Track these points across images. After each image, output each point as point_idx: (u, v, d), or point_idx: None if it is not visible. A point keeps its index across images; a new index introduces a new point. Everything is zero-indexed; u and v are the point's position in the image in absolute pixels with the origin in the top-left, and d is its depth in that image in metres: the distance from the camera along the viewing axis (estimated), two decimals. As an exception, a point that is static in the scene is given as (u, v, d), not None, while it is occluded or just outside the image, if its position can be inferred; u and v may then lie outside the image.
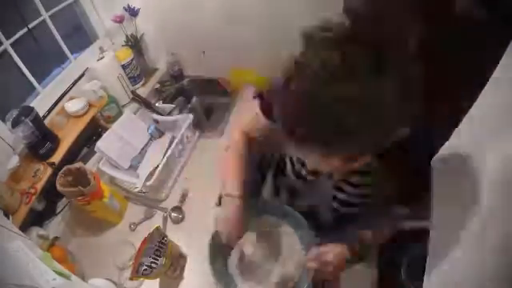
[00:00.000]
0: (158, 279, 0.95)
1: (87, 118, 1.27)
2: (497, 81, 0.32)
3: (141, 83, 1.59)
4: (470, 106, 0.41)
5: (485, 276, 0.34)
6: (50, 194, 1.09)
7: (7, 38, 1.10)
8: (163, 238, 0.90)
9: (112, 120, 1.37)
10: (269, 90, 0.73)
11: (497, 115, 0.32)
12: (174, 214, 1.16)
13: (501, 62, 0.30)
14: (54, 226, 1.11)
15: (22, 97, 1.22)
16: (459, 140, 0.44)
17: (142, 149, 1.34)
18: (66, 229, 1.16)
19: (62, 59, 1.37)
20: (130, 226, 1.16)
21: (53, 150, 1.14)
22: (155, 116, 1.42)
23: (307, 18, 0.92)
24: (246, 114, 0.84)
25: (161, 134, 1.41)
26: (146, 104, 1.47)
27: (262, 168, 1.02)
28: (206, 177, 1.26)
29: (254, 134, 0.84)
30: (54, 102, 1.27)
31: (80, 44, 1.44)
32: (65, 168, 1.03)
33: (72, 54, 1.39)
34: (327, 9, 1.21)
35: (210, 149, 1.37)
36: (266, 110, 0.74)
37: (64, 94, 1.30)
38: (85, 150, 1.32)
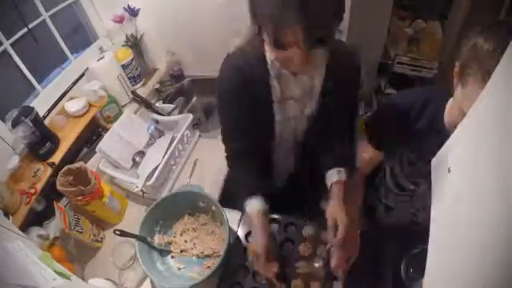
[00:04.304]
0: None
1: (87, 118, 1.27)
2: (493, 85, 0.32)
3: (141, 83, 1.59)
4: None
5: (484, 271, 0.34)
6: (50, 194, 1.09)
7: (7, 38, 1.10)
8: None
9: (112, 120, 1.37)
10: None
11: (493, 117, 0.33)
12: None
13: (498, 67, 0.30)
14: (54, 226, 1.11)
15: (22, 97, 1.22)
16: (457, 141, 0.45)
17: (142, 149, 1.34)
18: (66, 229, 1.16)
19: (62, 59, 1.37)
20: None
21: (53, 150, 1.14)
22: (155, 116, 1.42)
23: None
24: None
25: (161, 133, 1.41)
26: (146, 104, 1.47)
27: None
28: (207, 176, 1.27)
29: None
30: (54, 102, 1.27)
31: (80, 44, 1.44)
32: (65, 168, 1.03)
33: (72, 54, 1.39)
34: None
35: (209, 149, 1.37)
36: None
37: (64, 94, 1.30)
38: (85, 149, 1.33)
